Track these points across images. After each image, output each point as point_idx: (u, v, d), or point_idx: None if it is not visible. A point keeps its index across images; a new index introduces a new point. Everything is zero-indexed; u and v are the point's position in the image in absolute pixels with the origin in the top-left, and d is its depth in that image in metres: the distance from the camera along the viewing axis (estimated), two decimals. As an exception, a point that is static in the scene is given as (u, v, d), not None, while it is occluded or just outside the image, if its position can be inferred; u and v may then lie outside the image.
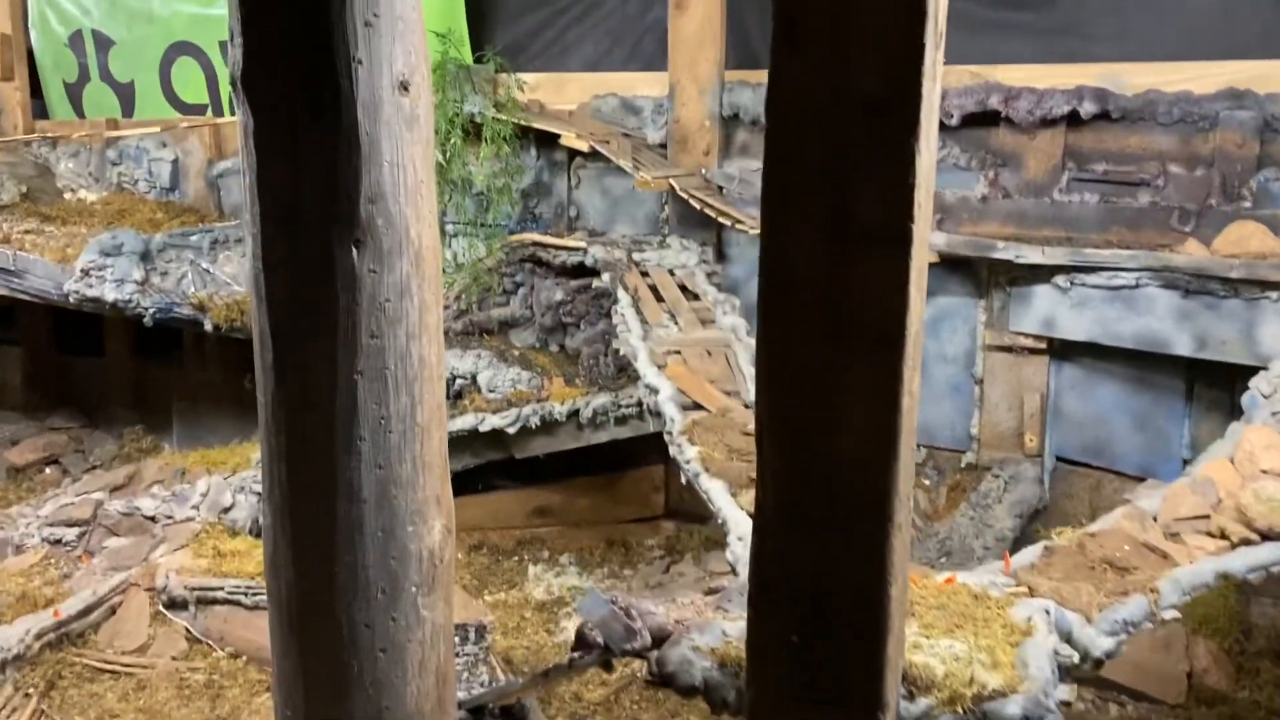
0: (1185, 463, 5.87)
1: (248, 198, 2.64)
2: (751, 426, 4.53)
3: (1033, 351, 5.96)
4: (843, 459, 2.14)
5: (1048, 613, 2.83)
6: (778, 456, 2.23)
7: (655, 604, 2.76)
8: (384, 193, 2.58)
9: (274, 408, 2.70)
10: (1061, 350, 5.97)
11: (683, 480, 4.26)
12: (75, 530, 6.22)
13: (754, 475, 4.01)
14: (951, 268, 6.07)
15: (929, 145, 2.04)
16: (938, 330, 6.26)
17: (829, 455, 2.16)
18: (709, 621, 2.66)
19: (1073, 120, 5.77)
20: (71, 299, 6.87)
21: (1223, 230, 5.35)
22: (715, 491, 3.81)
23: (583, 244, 6.49)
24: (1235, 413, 5.55)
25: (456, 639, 4.84)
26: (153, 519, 6.23)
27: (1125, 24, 5.86)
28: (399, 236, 2.62)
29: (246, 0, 2.55)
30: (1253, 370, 4.84)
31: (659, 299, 5.91)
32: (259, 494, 6.32)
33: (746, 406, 4.67)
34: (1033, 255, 5.54)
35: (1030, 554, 3.41)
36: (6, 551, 6.17)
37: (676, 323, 5.66)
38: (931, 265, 6.19)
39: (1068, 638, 2.83)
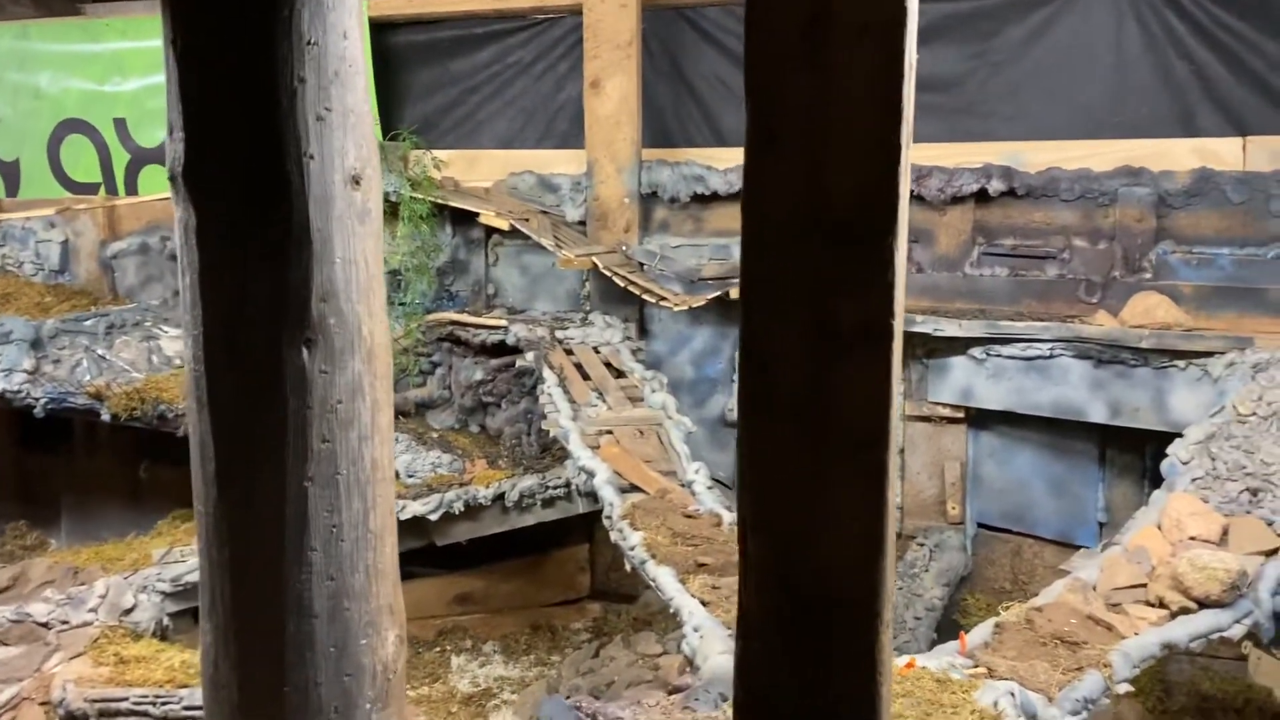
0: (1101, 526, 6.06)
1: (187, 297, 2.52)
2: (692, 508, 4.51)
3: (951, 421, 6.11)
4: (830, 561, 2.12)
5: (1013, 695, 2.84)
6: (762, 560, 2.20)
7: (620, 707, 2.67)
8: (336, 290, 2.49)
9: (215, 519, 2.55)
10: (979, 419, 6.13)
11: (628, 567, 4.18)
12: (-43, 642, 5.76)
13: (701, 560, 3.98)
14: (870, 340, 6.18)
15: (903, 241, 2.07)
16: (859, 402, 6.35)
17: (815, 558, 2.13)
18: (679, 725, 2.58)
19: (980, 197, 6.02)
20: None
21: (1128, 301, 5.60)
22: (664, 579, 3.74)
23: (503, 322, 6.42)
24: (1148, 476, 5.77)
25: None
26: (45, 625, 5.81)
27: (1024, 105, 6.16)
28: (351, 335, 2.54)
29: (188, 92, 2.46)
30: (1164, 436, 5.04)
31: (585, 377, 5.87)
32: (163, 593, 5.99)
33: (683, 485, 4.64)
34: (950, 328, 5.71)
35: (982, 632, 3.43)
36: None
37: (605, 401, 5.61)
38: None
39: (1032, 719, 2.84)
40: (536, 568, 6.92)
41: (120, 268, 7.75)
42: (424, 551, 6.49)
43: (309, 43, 2.36)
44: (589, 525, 6.89)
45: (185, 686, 5.07)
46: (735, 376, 6.67)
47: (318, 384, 2.47)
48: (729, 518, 4.28)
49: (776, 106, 2.02)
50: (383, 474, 2.65)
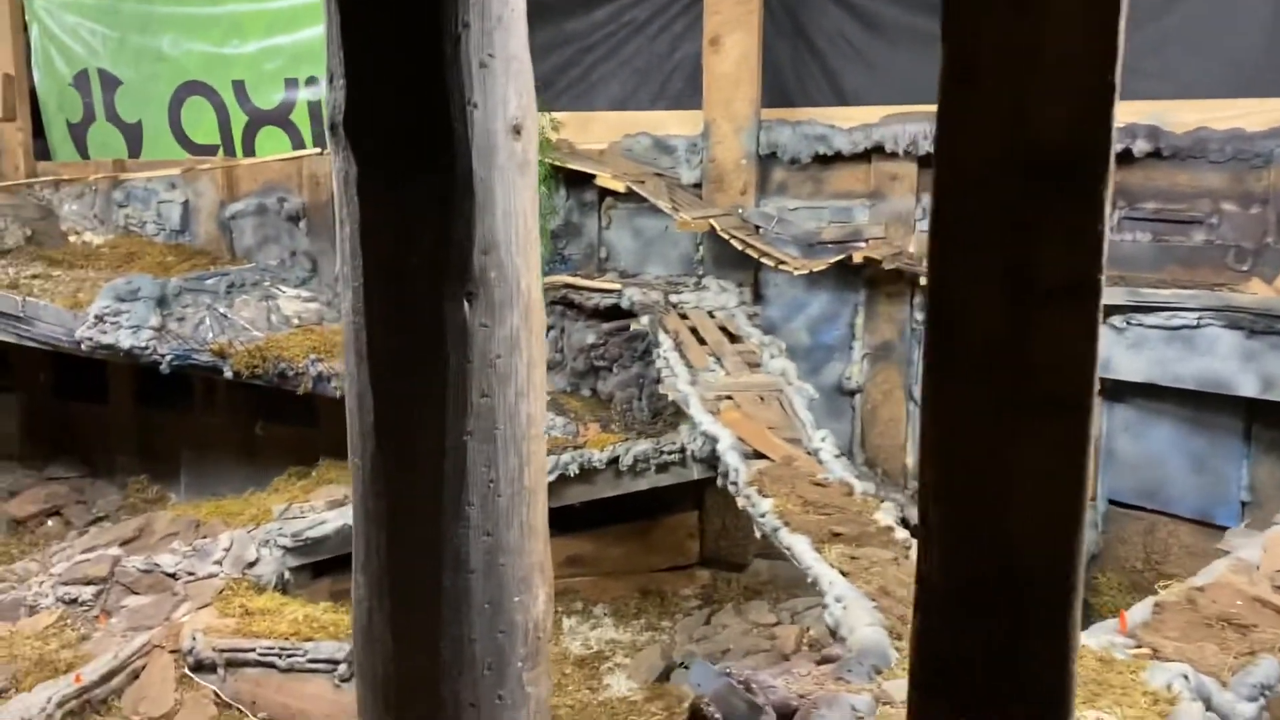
0: (1244, 505, 5.78)
1: (346, 250, 2.51)
2: (820, 476, 4.41)
3: (1083, 393, 5.86)
4: (1022, 531, 2.02)
5: (1186, 678, 2.70)
6: (947, 529, 2.10)
7: (773, 675, 2.62)
8: (497, 242, 2.46)
9: (372, 471, 2.56)
10: (1114, 391, 5.89)
11: (757, 534, 4.12)
12: (91, 589, 6.00)
13: (835, 529, 3.89)
14: (998, 308, 5.97)
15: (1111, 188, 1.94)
16: (984, 371, 6.15)
17: (1005, 527, 2.03)
18: (835, 696, 2.51)
19: (1123, 158, 5.73)
20: (84, 346, 6.70)
21: (1284, 269, 5.30)
22: (799, 547, 3.67)
23: (617, 285, 6.38)
24: (1298, 455, 5.47)
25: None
26: (173, 576, 6.02)
27: (1171, 60, 5.84)
28: (510, 289, 2.51)
29: (350, 40, 2.43)
30: (1321, 412, 4.76)
31: (701, 342, 5.80)
32: (284, 548, 6.13)
33: (809, 453, 4.55)
34: (1089, 295, 5.45)
35: (1141, 611, 3.28)
36: (20, 613, 5.94)
37: (722, 366, 5.54)
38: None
39: (1207, 704, 2.70)
40: (646, 533, 6.91)
41: (238, 228, 7.93)
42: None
43: (473, -14, 2.31)
44: (699, 492, 6.84)
45: (310, 640, 5.20)
46: (854, 343, 6.54)
47: (478, 338, 2.46)
48: (860, 486, 4.18)
49: (978, 40, 1.89)
50: (536, 430, 2.63)
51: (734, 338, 5.88)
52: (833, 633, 3.16)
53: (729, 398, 5.17)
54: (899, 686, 2.66)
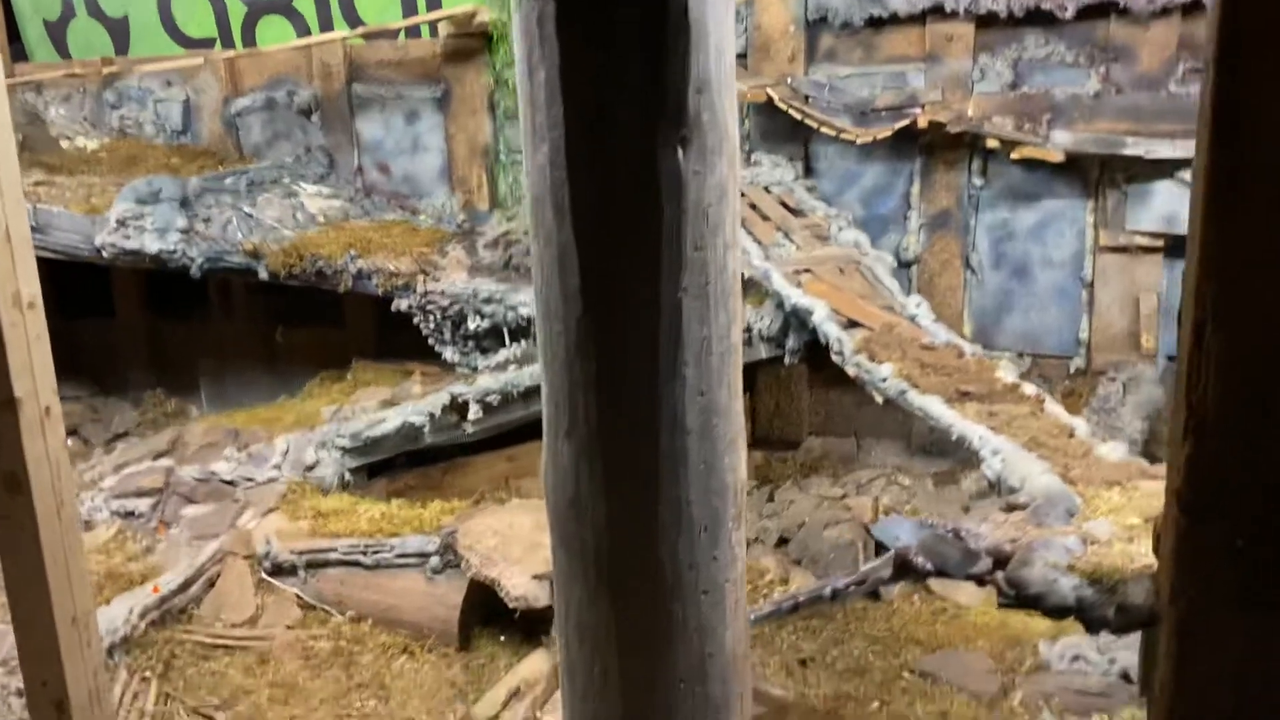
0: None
1: (540, 97, 2.37)
2: (928, 340, 4.38)
3: (1147, 250, 5.88)
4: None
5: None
6: (1227, 346, 2.06)
7: (974, 523, 2.61)
8: (709, 81, 2.33)
9: (579, 334, 2.46)
10: (1175, 248, 5.90)
11: (878, 400, 4.10)
12: (147, 501, 5.89)
13: (963, 388, 3.87)
14: (1056, 170, 5.94)
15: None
16: (1042, 235, 6.14)
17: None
18: (1046, 538, 2.51)
19: (1189, 8, 5.63)
20: (105, 253, 6.43)
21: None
22: (934, 407, 3.65)
23: (666, 164, 6.20)
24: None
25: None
26: (230, 483, 5.92)
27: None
28: (721, 132, 2.38)
29: None
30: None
31: (763, 218, 5.69)
32: (343, 449, 6.04)
33: (909, 319, 4.51)
34: (1163, 149, 5.43)
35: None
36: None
37: (791, 240, 5.45)
38: (1035, 167, 6.07)
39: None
40: (697, 418, 6.89)
41: (245, 125, 7.59)
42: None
43: None
44: (749, 374, 6.82)
45: (395, 535, 5.15)
46: (910, 213, 6.46)
47: (691, 186, 2.34)
48: (969, 348, 4.16)
49: None
50: (738, 285, 2.55)
51: (795, 212, 5.78)
52: (994, 486, 3.16)
53: (807, 271, 5.10)
54: (1098, 526, 2.67)
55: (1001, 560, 2.45)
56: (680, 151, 2.30)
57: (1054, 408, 3.62)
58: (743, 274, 5.57)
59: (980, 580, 2.46)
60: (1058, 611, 2.35)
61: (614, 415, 2.48)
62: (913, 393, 3.78)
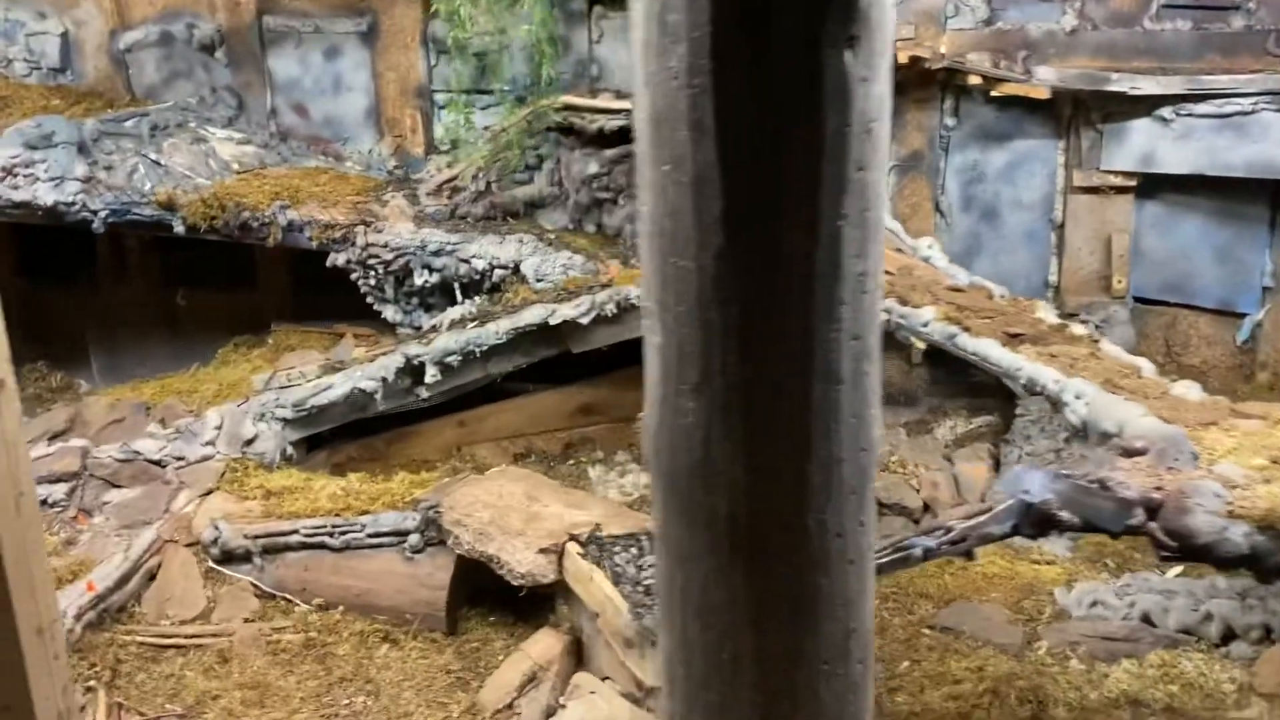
0: (1265, 291, 6.00)
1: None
2: (950, 281, 4.20)
3: (1120, 190, 5.88)
4: None
5: None
6: None
7: (1108, 470, 2.43)
8: (876, -25, 2.02)
9: (720, 272, 2.15)
10: (1145, 188, 5.92)
11: (919, 347, 3.89)
12: (62, 487, 5.26)
13: (1010, 330, 3.70)
14: (1030, 109, 5.86)
15: None
16: (1013, 176, 6.08)
17: None
18: (1196, 483, 2.35)
19: (1163, -59, 5.60)
20: (-13, 206, 5.67)
21: (1330, 50, 5.34)
22: (993, 350, 3.47)
23: (626, 105, 5.85)
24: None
25: (634, 551, 4.36)
26: (158, 463, 5.35)
27: None
28: (886, 34, 2.09)
29: None
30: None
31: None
32: (285, 420, 5.52)
33: (921, 261, 4.32)
34: (1147, 86, 5.39)
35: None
36: (-23, 521, 5.13)
37: (776, 182, 5.17)
38: (1008, 107, 5.97)
39: None
40: (654, 375, 6.62)
41: (136, 63, 6.83)
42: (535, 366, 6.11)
43: None
44: (708, 327, 6.56)
45: (366, 513, 4.72)
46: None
47: (857, 96, 2.05)
48: (997, 289, 4.00)
49: None
50: (884, 212, 2.27)
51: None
52: (1077, 431, 3.00)
53: (802, 213, 4.85)
54: (1227, 469, 2.53)
55: (1153, 510, 2.28)
56: (849, 54, 2.00)
57: (1111, 348, 3.50)
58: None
59: (1134, 532, 2.29)
60: (1229, 562, 2.21)
61: (759, 365, 2.18)
62: (964, 336, 3.59)
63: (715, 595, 2.33)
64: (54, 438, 6.43)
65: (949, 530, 2.68)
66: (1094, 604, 4.28)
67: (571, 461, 6.28)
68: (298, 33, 6.68)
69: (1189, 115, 5.44)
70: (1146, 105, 5.51)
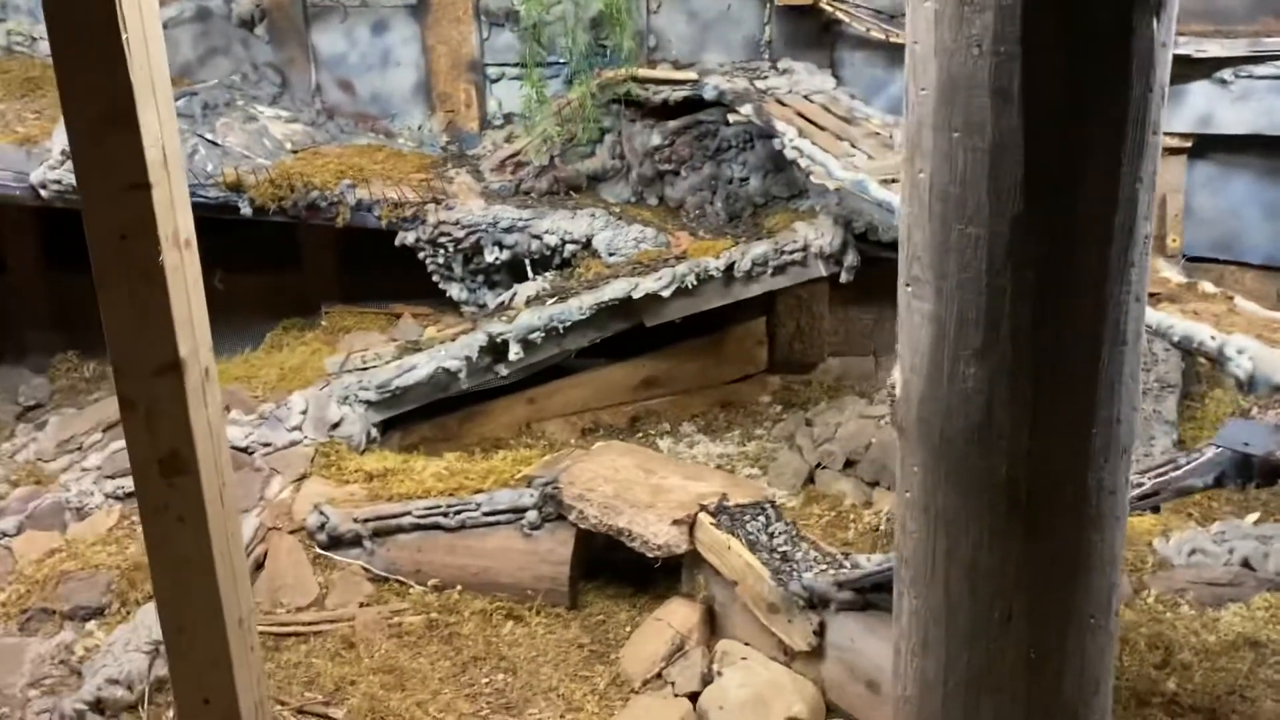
0: (1311, 246, 6.18)
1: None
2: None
3: (1174, 152, 6.00)
4: None
5: None
6: None
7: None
8: (1184, -61, 2.05)
9: (1017, 236, 2.18)
10: (1196, 149, 6.05)
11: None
12: (149, 477, 5.13)
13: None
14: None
15: None
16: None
17: None
18: None
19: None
20: (46, 192, 5.49)
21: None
22: (1149, 313, 3.52)
23: (693, 75, 5.84)
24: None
25: (762, 520, 4.41)
26: (245, 450, 5.26)
27: None
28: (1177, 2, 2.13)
29: None
30: None
31: (819, 127, 5.44)
32: (368, 402, 5.47)
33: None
34: (1213, 48, 5.50)
35: None
36: (65, 519, 5.04)
37: (858, 149, 5.22)
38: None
39: None
40: (715, 346, 6.66)
41: (170, 40, 6.59)
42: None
43: None
44: (766, 298, 6.61)
45: (480, 491, 4.70)
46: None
47: (1160, 61, 2.09)
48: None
49: None
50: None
51: (847, 121, 5.55)
52: (1244, 385, 3.09)
53: (894, 180, 4.90)
54: None
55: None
56: (1157, 23, 2.04)
57: (1246, 304, 3.60)
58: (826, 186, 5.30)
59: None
60: None
61: (1051, 329, 2.22)
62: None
63: (987, 557, 2.37)
64: (108, 428, 6.32)
65: (1138, 485, 2.74)
66: (1193, 552, 4.41)
67: (640, 435, 6.30)
68: (343, 6, 6.53)
69: (1249, 77, 5.58)
70: (1207, 67, 5.63)
